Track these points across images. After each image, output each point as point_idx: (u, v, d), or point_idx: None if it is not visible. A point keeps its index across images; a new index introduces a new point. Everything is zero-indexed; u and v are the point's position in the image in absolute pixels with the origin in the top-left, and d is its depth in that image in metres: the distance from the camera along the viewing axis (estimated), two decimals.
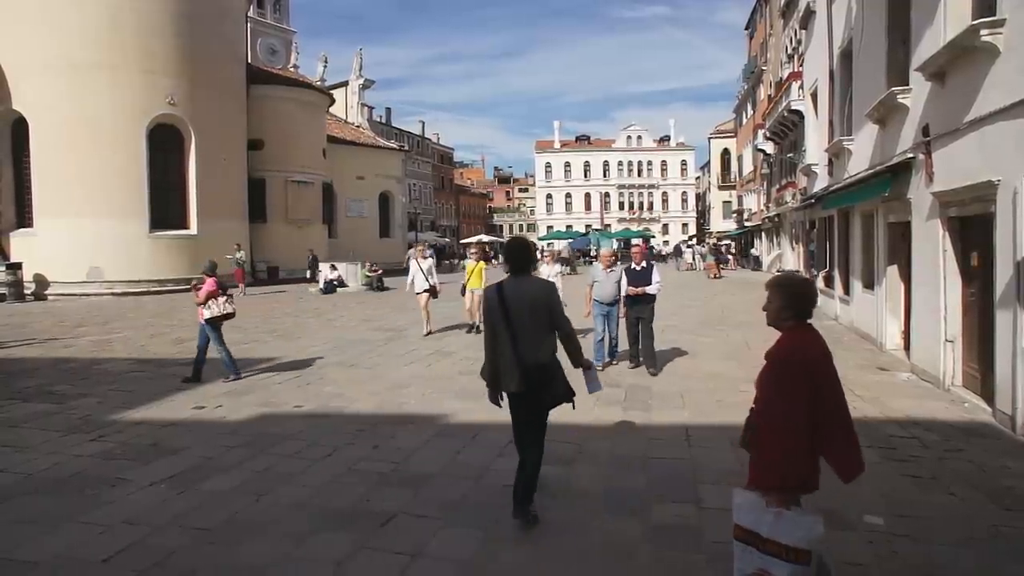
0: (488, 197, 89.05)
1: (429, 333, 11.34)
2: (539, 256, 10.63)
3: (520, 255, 3.99)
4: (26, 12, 20.67)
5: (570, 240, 47.86)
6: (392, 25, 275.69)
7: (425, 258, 11.67)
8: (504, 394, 4.01)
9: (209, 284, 7.88)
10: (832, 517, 3.48)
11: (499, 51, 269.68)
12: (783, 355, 2.62)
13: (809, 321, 2.74)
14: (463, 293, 11.30)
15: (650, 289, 8.16)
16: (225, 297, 7.98)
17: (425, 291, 11.32)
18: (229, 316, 8.05)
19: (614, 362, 8.51)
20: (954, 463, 4.86)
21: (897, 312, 9.43)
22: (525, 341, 3.81)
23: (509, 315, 3.84)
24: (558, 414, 5.97)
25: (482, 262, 11.44)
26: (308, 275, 24.57)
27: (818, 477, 2.58)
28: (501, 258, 25.38)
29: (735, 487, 2.77)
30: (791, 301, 2.72)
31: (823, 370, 2.59)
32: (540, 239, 51.37)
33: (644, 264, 8.39)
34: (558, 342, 3.90)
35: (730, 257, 41.69)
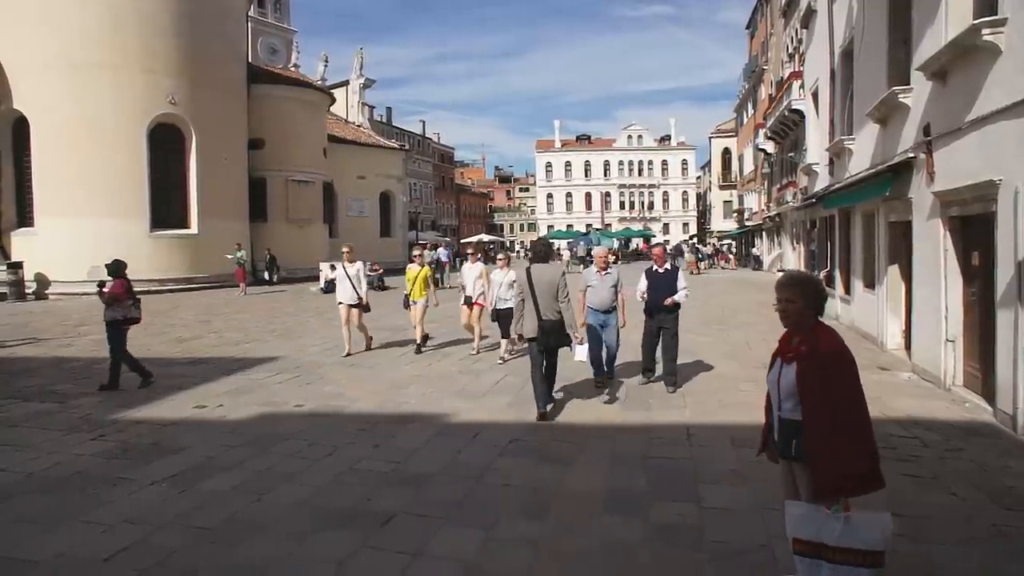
0: (489, 197, 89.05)
1: (349, 353, 9.48)
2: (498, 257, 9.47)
3: (541, 251, 6.52)
4: (27, 12, 20.69)
5: (569, 240, 47.89)
6: (393, 24, 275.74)
7: (352, 262, 9.66)
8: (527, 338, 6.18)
9: (113, 287, 7.50)
10: None
11: (500, 50, 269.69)
12: (832, 349, 2.58)
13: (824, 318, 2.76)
14: (406, 305, 9.85)
15: (678, 297, 7.19)
16: (132, 301, 7.56)
17: (353, 305, 9.48)
18: (132, 321, 7.61)
19: (610, 380, 7.39)
20: (955, 463, 4.86)
21: (898, 312, 9.42)
22: (543, 304, 6.00)
23: (534, 287, 6.02)
24: (560, 414, 5.93)
25: (426, 268, 9.92)
26: (266, 276, 23.36)
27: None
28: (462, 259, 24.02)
29: (788, 499, 2.69)
30: (814, 300, 2.71)
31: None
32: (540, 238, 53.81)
33: (668, 266, 7.44)
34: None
35: (731, 256, 41.74)
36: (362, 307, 9.58)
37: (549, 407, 6.16)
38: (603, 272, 7.32)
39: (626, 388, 7.30)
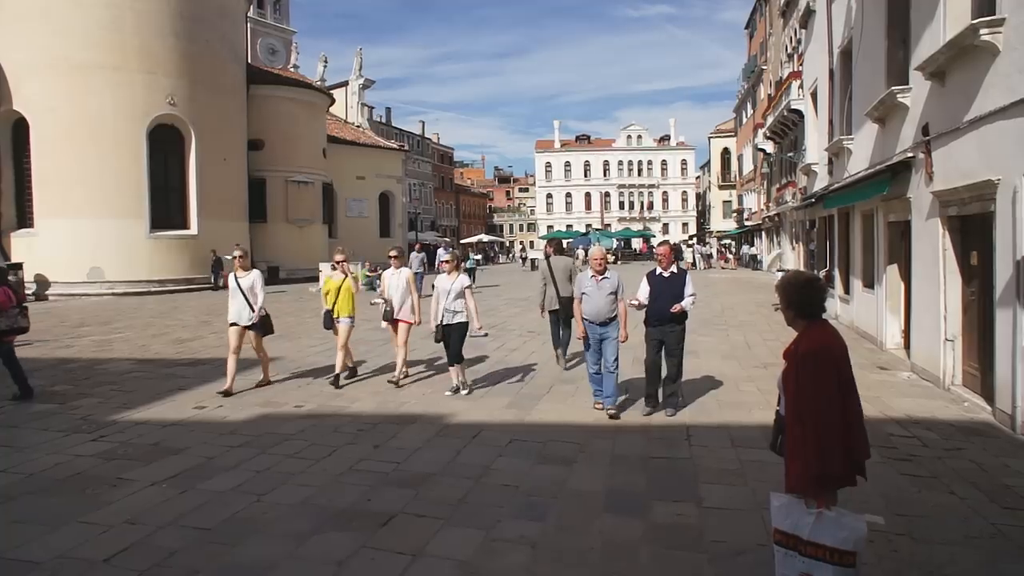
0: (488, 197, 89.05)
1: (262, 384, 7.57)
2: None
3: (559, 247, 8.98)
4: (27, 12, 20.70)
5: (569, 241, 47.89)
6: (393, 25, 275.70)
7: (247, 270, 7.45)
8: (548, 311, 8.50)
9: None
10: None
11: (501, 51, 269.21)
12: (807, 350, 2.62)
13: (824, 317, 2.78)
14: (327, 325, 7.75)
15: (685, 304, 6.13)
16: (19, 310, 7.04)
17: (247, 326, 7.28)
18: (19, 331, 7.12)
19: (612, 409, 6.18)
20: (954, 462, 4.87)
21: (897, 311, 9.44)
22: (560, 286, 8.26)
23: (553, 273, 8.32)
24: (560, 414, 5.92)
25: (353, 275, 7.95)
26: (211, 279, 22.25)
27: (854, 472, 2.60)
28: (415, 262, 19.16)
29: (772, 491, 2.75)
30: (793, 301, 2.76)
31: (844, 365, 2.63)
32: (541, 238, 56.30)
33: (674, 270, 6.31)
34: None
35: (731, 256, 41.81)
36: (259, 328, 7.37)
37: (560, 350, 8.55)
38: (599, 277, 6.22)
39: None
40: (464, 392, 7.12)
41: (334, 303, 7.63)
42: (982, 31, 5.83)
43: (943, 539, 3.65)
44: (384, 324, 7.80)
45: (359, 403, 6.88)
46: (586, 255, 41.44)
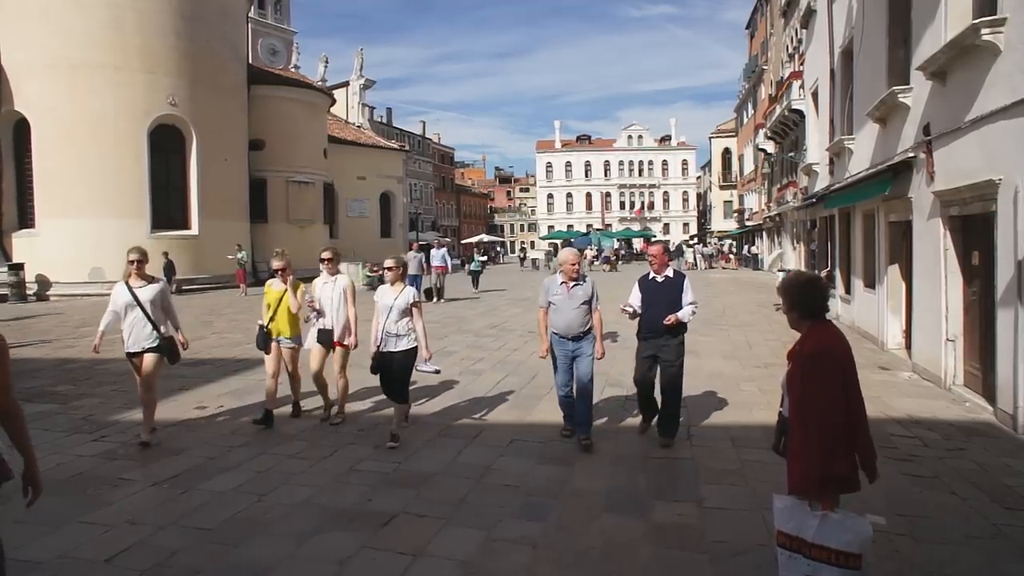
0: (489, 197, 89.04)
1: (146, 443, 5.33)
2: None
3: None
4: (28, 12, 20.72)
5: (571, 240, 47.89)
6: (394, 25, 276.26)
7: (148, 280, 5.56)
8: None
9: None
10: None
11: (502, 50, 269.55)
12: (811, 351, 2.62)
13: (827, 318, 2.79)
14: (263, 346, 6.03)
15: (682, 315, 5.26)
16: None
17: (150, 350, 5.46)
18: None
19: (587, 439, 5.24)
20: (955, 462, 4.86)
21: (898, 311, 9.43)
22: None
23: None
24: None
25: (295, 286, 6.01)
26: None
27: (858, 475, 2.59)
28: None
29: (775, 492, 2.75)
30: (793, 302, 2.77)
31: (849, 366, 2.63)
32: (542, 238, 58.15)
33: (669, 274, 5.47)
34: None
35: (732, 256, 41.83)
36: (162, 353, 5.56)
37: None
38: (571, 284, 5.26)
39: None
40: (391, 444, 5.31)
41: (273, 317, 6.01)
42: (983, 31, 5.83)
43: (944, 539, 3.65)
44: (309, 347, 6.09)
45: (359, 403, 6.87)
46: (596, 253, 41.27)
